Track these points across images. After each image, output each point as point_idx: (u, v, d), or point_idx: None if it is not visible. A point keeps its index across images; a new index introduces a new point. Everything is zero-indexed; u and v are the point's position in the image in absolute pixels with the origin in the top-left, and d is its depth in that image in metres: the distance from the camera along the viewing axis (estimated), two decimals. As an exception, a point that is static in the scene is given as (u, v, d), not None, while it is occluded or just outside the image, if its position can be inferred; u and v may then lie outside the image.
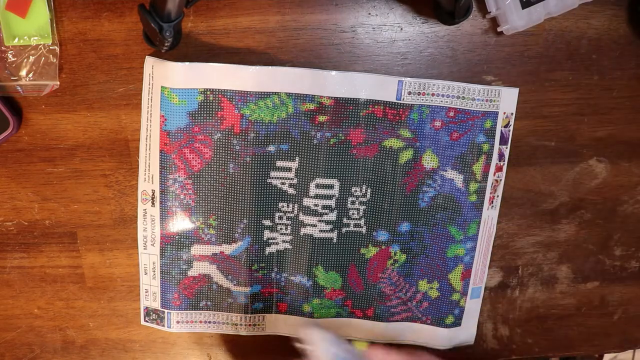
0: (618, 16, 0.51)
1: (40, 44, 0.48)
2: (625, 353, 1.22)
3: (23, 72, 0.49)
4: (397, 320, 0.57)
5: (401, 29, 0.50)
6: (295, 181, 0.52)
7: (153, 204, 0.52)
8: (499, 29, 0.49)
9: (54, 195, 0.53)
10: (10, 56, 0.48)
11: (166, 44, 0.45)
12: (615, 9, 0.51)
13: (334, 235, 0.54)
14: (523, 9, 0.47)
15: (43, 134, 0.51)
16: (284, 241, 0.54)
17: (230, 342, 0.58)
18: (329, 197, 0.52)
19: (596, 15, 0.51)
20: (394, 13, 0.50)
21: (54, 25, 0.48)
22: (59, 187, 0.53)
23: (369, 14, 0.49)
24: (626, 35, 0.51)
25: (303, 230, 0.53)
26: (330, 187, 0.52)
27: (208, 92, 0.49)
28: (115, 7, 0.48)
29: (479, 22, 0.50)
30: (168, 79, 0.49)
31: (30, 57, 0.48)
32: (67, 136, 0.52)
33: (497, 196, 0.54)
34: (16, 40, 0.48)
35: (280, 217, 0.53)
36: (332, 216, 0.53)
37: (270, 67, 0.49)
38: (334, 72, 0.49)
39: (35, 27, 0.48)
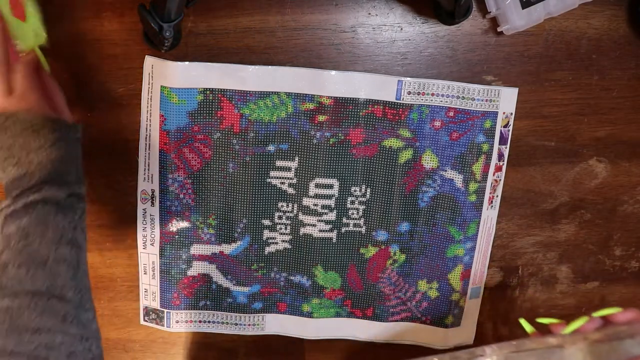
0: (618, 16, 0.51)
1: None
2: (625, 353, 1.21)
3: None
4: (396, 320, 0.57)
5: (401, 29, 0.50)
6: (294, 181, 0.52)
7: (152, 203, 0.52)
8: (499, 29, 0.49)
9: (54, 195, 0.53)
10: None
11: (166, 44, 0.45)
12: (615, 9, 0.51)
13: (333, 235, 0.54)
14: (523, 9, 0.47)
15: (43, 134, 0.51)
16: (283, 241, 0.54)
17: (231, 342, 0.58)
18: (329, 196, 0.52)
19: (596, 15, 0.51)
20: (394, 13, 0.50)
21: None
22: (59, 187, 0.53)
23: (369, 14, 0.49)
24: (626, 35, 0.51)
25: (302, 230, 0.53)
26: (330, 186, 0.52)
27: (208, 92, 0.49)
28: (115, 7, 0.48)
29: (479, 22, 0.50)
30: (168, 79, 0.48)
31: None
32: (67, 136, 0.51)
33: (497, 196, 0.54)
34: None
35: (280, 217, 0.53)
36: (332, 216, 0.53)
37: (269, 66, 0.49)
38: (333, 72, 0.49)
39: (33, 28, 0.47)
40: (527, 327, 0.43)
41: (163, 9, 0.41)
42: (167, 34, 0.43)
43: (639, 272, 0.58)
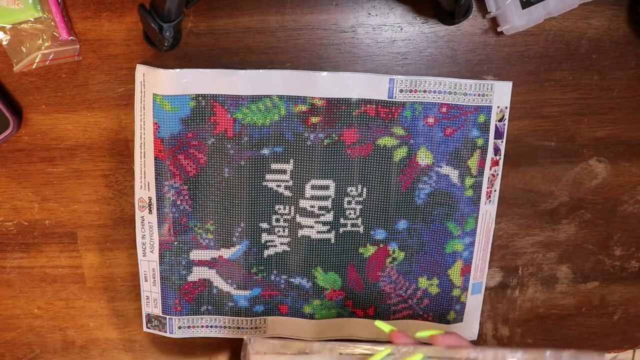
0: (618, 16, 0.51)
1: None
2: (625, 353, 1.22)
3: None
4: (398, 318, 0.57)
5: (401, 29, 0.50)
6: (290, 183, 0.52)
7: (150, 211, 0.52)
8: (499, 29, 0.49)
9: (54, 195, 0.53)
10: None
11: (166, 44, 0.45)
12: (615, 9, 0.51)
13: (331, 235, 0.54)
14: (523, 9, 0.47)
15: (43, 134, 0.51)
16: (282, 243, 0.54)
17: (231, 342, 0.58)
18: (325, 197, 0.52)
19: (596, 15, 0.51)
20: (394, 13, 0.50)
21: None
22: (59, 187, 0.53)
23: (369, 14, 0.50)
24: (626, 35, 0.51)
25: (300, 232, 0.53)
26: (326, 187, 0.52)
27: (200, 98, 0.49)
28: (115, 7, 0.48)
29: (479, 22, 0.50)
30: (159, 86, 0.48)
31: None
32: (67, 136, 0.52)
33: (495, 190, 0.54)
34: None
35: (277, 220, 0.53)
36: (329, 217, 0.53)
37: (260, 70, 0.49)
38: (324, 73, 0.49)
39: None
40: (385, 327, 0.42)
41: (163, 9, 0.41)
42: (167, 34, 0.43)
43: (639, 272, 0.58)
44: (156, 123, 0.49)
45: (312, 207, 0.53)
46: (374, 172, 0.52)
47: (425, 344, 0.40)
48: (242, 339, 0.57)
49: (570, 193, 0.55)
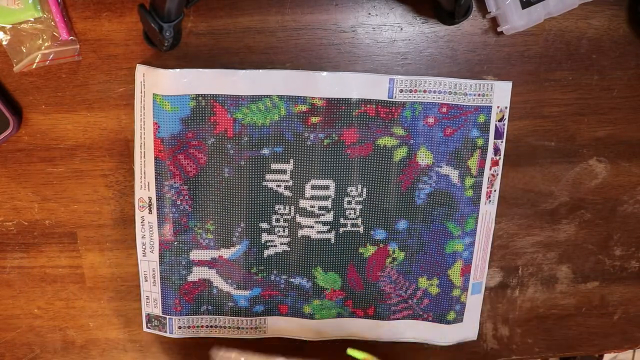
0: (618, 16, 0.51)
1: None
2: (625, 353, 1.22)
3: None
4: (398, 319, 0.57)
5: (401, 29, 0.50)
6: (290, 183, 0.52)
7: (150, 211, 0.52)
8: (499, 29, 0.49)
9: (54, 195, 0.53)
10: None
11: (166, 44, 0.45)
12: (615, 9, 0.51)
13: (331, 235, 0.54)
14: (523, 9, 0.47)
15: (43, 134, 0.51)
16: (282, 243, 0.54)
17: (231, 343, 0.58)
18: (325, 197, 0.52)
19: (596, 15, 0.51)
20: (394, 13, 0.50)
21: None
22: (59, 187, 0.53)
23: (369, 14, 0.50)
24: (626, 35, 0.51)
25: (300, 232, 0.53)
26: (326, 187, 0.52)
27: (200, 98, 0.49)
28: (115, 7, 0.48)
29: (479, 22, 0.50)
30: (159, 86, 0.48)
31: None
32: (67, 136, 0.52)
33: (495, 191, 0.54)
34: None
35: (277, 220, 0.53)
36: (329, 217, 0.53)
37: (260, 70, 0.49)
38: (324, 73, 0.49)
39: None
40: (358, 355, 0.45)
41: (163, 9, 0.41)
42: (167, 34, 0.43)
43: (639, 272, 0.58)
44: (156, 123, 0.49)
45: (312, 207, 0.53)
46: (374, 172, 0.52)
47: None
48: (242, 340, 0.57)
49: (570, 193, 0.55)
